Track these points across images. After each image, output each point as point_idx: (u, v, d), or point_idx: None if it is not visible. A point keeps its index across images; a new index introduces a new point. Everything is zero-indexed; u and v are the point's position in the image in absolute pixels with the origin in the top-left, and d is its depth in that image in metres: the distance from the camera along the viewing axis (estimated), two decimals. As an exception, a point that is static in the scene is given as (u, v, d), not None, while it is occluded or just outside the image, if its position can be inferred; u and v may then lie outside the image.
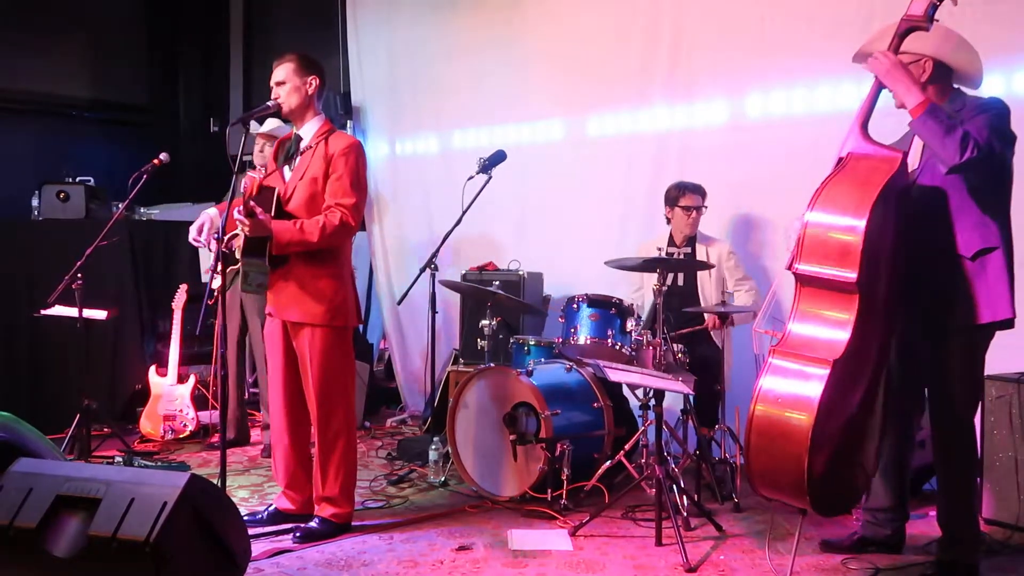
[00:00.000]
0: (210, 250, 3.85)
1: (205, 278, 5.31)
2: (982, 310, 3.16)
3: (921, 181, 3.25)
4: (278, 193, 3.71)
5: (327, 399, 3.79)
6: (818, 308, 3.04)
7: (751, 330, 4.28)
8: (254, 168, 5.13)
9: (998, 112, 3.14)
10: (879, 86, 3.19)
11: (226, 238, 3.65)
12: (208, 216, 3.76)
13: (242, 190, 3.64)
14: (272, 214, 3.63)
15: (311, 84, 3.83)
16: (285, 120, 4.21)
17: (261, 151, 5.19)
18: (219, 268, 3.69)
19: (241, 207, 3.56)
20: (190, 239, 3.79)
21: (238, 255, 3.70)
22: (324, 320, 3.75)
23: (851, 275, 2.95)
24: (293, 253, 3.68)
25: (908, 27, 3.13)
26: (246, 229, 3.53)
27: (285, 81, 3.79)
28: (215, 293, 3.65)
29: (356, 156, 3.78)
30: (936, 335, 3.26)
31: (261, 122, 5.18)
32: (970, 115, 3.11)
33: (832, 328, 3.00)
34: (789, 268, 3.18)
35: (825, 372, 2.92)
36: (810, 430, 2.89)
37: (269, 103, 3.79)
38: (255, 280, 3.68)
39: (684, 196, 4.93)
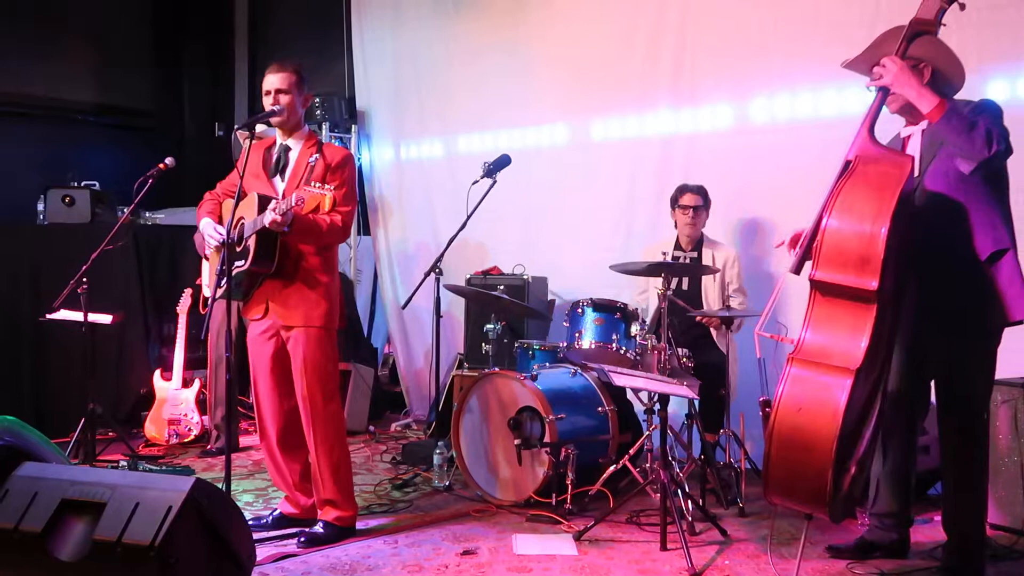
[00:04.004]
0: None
1: (207, 292, 5.31)
2: (1000, 311, 3.19)
3: (929, 186, 3.25)
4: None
5: (321, 401, 3.81)
6: (835, 315, 3.01)
7: (753, 333, 4.28)
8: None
9: (997, 113, 3.17)
10: (886, 91, 3.18)
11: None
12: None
13: (296, 203, 3.58)
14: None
15: (307, 100, 3.92)
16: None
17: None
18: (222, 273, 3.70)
19: (273, 207, 3.55)
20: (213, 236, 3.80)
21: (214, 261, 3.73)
22: (321, 323, 3.80)
23: (872, 284, 2.93)
24: (301, 241, 3.73)
25: (917, 31, 3.13)
26: (279, 217, 3.51)
27: (288, 91, 3.80)
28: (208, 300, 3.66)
29: (351, 168, 3.89)
30: (954, 336, 3.26)
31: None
32: (972, 116, 3.12)
33: (850, 335, 2.97)
34: (795, 272, 3.18)
35: (848, 381, 2.89)
36: (835, 441, 2.86)
37: (275, 108, 3.79)
38: (241, 286, 3.79)
39: (683, 195, 4.97)
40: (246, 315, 3.96)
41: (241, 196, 3.68)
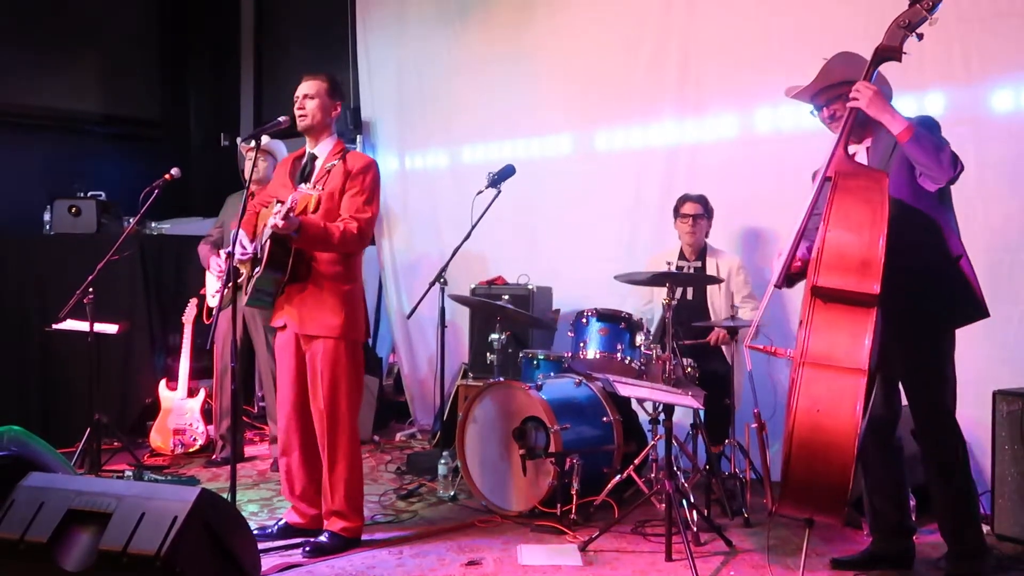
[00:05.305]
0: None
1: (212, 302, 5.32)
2: (969, 307, 3.32)
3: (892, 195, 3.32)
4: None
5: (336, 412, 3.81)
6: (837, 321, 3.06)
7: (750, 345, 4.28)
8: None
9: (939, 129, 3.30)
10: (856, 112, 3.25)
11: (237, 254, 3.69)
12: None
13: (291, 204, 3.60)
14: None
15: (336, 108, 3.93)
16: (277, 137, 4.20)
17: (255, 165, 5.14)
18: (229, 284, 3.72)
19: (277, 211, 3.57)
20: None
21: (242, 270, 3.73)
22: (340, 333, 3.79)
23: (875, 287, 2.99)
24: (312, 249, 3.73)
25: (883, 56, 3.22)
26: (280, 222, 3.52)
27: (315, 97, 3.84)
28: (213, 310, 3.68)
29: (374, 175, 3.87)
30: (923, 337, 3.33)
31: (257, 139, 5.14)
32: (936, 138, 3.23)
33: (854, 339, 3.02)
34: (778, 286, 3.27)
35: (862, 380, 2.95)
36: (856, 438, 2.92)
37: (280, 118, 3.81)
38: (264, 294, 3.74)
39: (684, 205, 4.99)
40: (272, 324, 3.98)
41: (245, 208, 3.71)
